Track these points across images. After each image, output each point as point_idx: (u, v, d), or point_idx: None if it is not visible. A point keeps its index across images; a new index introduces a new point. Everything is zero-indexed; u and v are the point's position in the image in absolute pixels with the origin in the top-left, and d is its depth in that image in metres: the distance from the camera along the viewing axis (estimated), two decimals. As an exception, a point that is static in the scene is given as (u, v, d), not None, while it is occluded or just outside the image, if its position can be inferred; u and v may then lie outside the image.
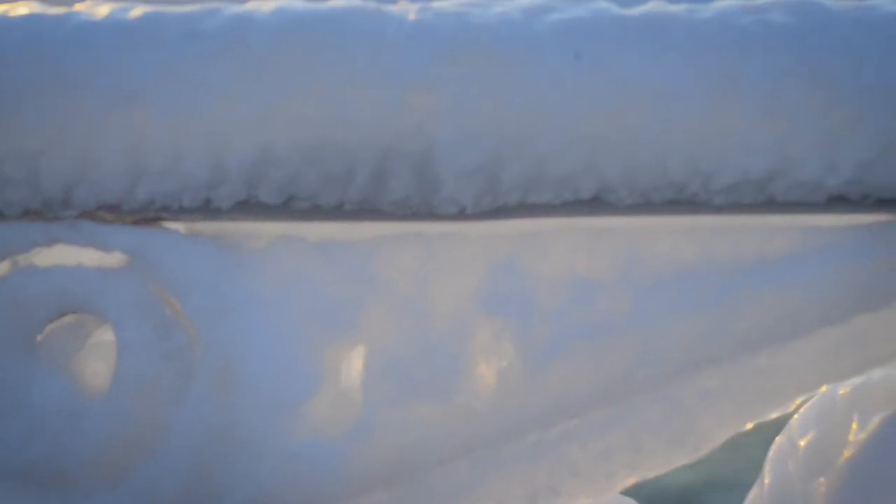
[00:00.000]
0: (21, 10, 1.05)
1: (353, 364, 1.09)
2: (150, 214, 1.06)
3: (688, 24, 1.04)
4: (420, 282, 1.07)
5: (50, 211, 1.05)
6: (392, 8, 1.06)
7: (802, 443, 1.14)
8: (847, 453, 1.10)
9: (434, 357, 1.06)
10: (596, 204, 1.05)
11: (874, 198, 1.06)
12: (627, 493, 1.13)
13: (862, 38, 1.04)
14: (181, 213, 1.06)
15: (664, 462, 1.09)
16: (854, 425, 1.11)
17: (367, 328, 1.07)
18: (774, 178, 1.04)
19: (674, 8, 1.05)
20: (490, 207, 1.05)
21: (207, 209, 1.06)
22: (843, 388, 1.14)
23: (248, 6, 1.06)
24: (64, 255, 1.06)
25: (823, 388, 1.12)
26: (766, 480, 1.16)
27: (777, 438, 1.16)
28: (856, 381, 1.13)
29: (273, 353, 1.05)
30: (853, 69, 1.03)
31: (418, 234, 1.07)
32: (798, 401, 1.11)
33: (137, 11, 1.05)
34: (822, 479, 1.11)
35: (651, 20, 1.04)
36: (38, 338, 1.07)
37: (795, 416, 1.16)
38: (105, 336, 1.08)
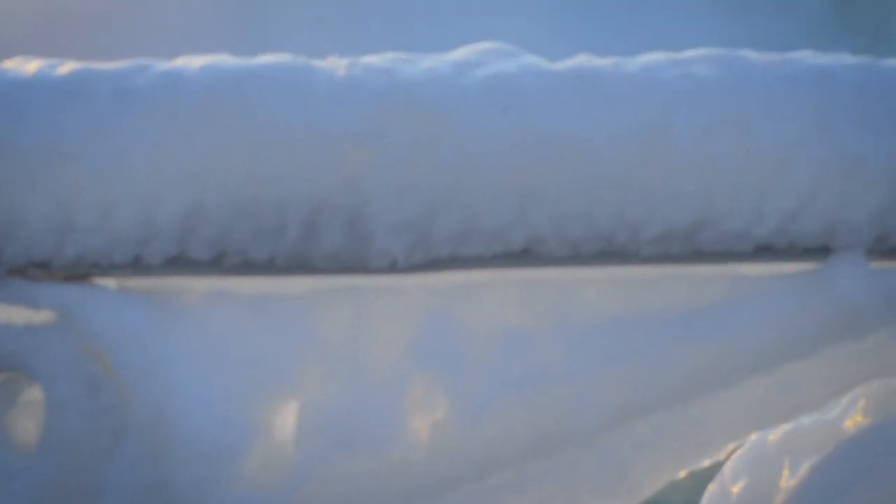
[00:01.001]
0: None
1: (287, 418, 1.08)
2: (80, 271, 1.06)
3: (615, 78, 1.05)
4: (353, 336, 1.07)
5: None
6: (322, 63, 1.07)
7: (735, 489, 1.15)
8: (779, 499, 1.12)
9: (368, 411, 1.06)
10: (526, 255, 1.06)
11: (800, 247, 1.07)
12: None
13: (785, 90, 1.06)
14: (112, 269, 1.06)
15: (599, 511, 1.10)
16: (785, 471, 1.13)
17: (300, 382, 1.07)
18: (701, 229, 1.06)
19: (601, 62, 1.07)
20: (422, 260, 1.06)
21: (138, 265, 1.05)
22: (774, 435, 1.15)
23: (178, 63, 1.06)
24: (-7, 314, 1.06)
25: (754, 436, 1.14)
26: (701, 527, 1.17)
27: (709, 486, 1.17)
28: (786, 427, 1.14)
29: (206, 409, 1.05)
30: (777, 121, 1.05)
31: (351, 288, 1.07)
32: (730, 448, 1.13)
33: (66, 68, 1.05)
34: None
35: (578, 74, 1.06)
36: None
37: (727, 463, 1.17)
38: (37, 394, 1.07)
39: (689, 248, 1.06)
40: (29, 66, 1.05)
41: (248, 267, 1.06)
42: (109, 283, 1.07)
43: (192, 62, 1.05)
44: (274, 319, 1.07)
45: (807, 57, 1.09)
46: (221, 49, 1.09)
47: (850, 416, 1.12)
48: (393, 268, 1.05)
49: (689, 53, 1.08)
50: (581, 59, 1.07)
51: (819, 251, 1.08)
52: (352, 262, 1.05)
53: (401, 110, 1.03)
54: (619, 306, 1.08)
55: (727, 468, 1.17)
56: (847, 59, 1.10)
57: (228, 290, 1.07)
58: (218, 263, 1.05)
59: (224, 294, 1.07)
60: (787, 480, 1.12)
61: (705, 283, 1.08)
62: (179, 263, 1.05)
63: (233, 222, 1.03)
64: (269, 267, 1.05)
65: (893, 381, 1.10)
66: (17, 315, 1.06)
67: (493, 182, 1.03)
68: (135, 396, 1.04)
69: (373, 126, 1.03)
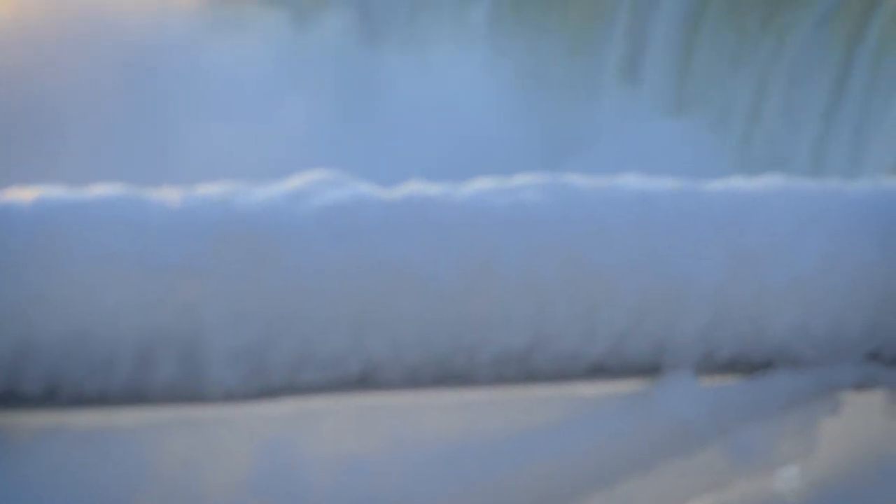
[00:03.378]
0: None
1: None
2: None
3: (445, 206, 1.07)
4: (190, 467, 1.06)
5: None
6: (156, 194, 1.07)
7: None
8: None
9: (206, 544, 1.04)
10: (364, 381, 1.07)
11: (631, 366, 1.10)
12: None
13: (612, 214, 1.10)
14: None
15: None
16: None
17: (137, 517, 1.05)
18: (535, 351, 1.08)
19: (432, 190, 1.09)
20: (258, 389, 1.05)
21: None
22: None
23: (8, 195, 1.05)
24: None
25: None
26: None
27: None
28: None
29: (39, 548, 1.02)
30: (605, 244, 1.08)
31: (187, 418, 1.06)
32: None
33: None
34: None
35: (410, 203, 1.08)
36: None
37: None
38: None
39: (524, 369, 1.08)
40: None
41: (81, 401, 1.04)
42: None
43: (23, 194, 1.04)
44: (109, 453, 1.05)
45: (631, 182, 1.13)
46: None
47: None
48: (230, 397, 1.05)
49: (519, 180, 1.11)
50: (413, 188, 1.09)
51: (650, 370, 1.10)
52: (188, 392, 1.04)
53: (235, 241, 1.03)
54: (457, 430, 1.09)
55: None
56: (669, 182, 1.14)
57: (62, 426, 1.05)
58: (50, 398, 1.03)
59: (57, 430, 1.05)
60: None
61: (541, 404, 1.10)
62: (10, 400, 1.03)
63: (65, 356, 1.02)
64: (103, 400, 1.04)
65: (725, 496, 1.13)
66: None
67: (329, 310, 1.04)
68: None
69: (208, 257, 1.03)
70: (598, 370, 1.10)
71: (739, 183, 1.17)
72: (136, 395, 1.04)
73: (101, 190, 1.06)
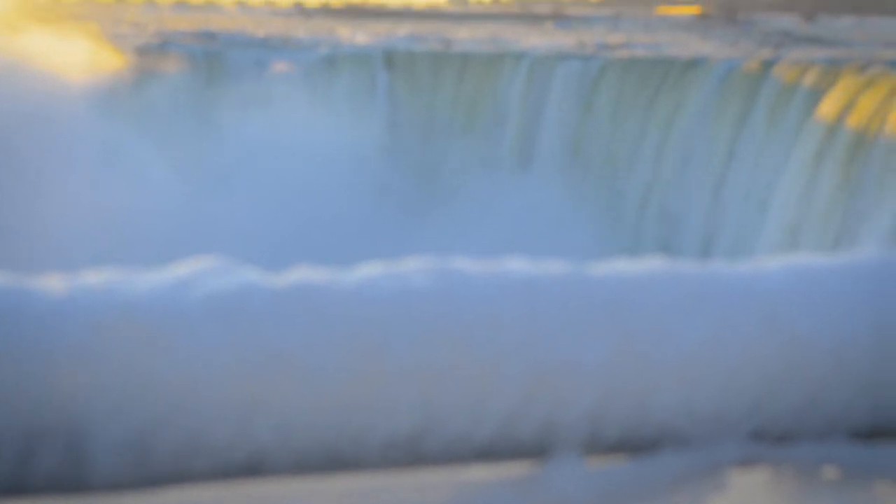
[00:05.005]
0: None
1: None
2: None
3: (332, 293, 1.08)
4: (72, 560, 1.03)
5: None
6: (38, 282, 1.06)
7: None
8: None
9: None
10: (252, 469, 1.06)
11: (519, 448, 1.11)
12: None
13: (499, 299, 1.11)
14: None
15: None
16: None
17: None
18: (423, 435, 1.08)
19: (318, 276, 1.09)
20: (144, 478, 1.04)
21: None
22: None
23: None
24: None
25: None
26: None
27: None
28: None
29: None
30: (492, 329, 1.09)
31: (70, 510, 1.04)
32: None
33: None
34: None
35: (297, 290, 1.08)
36: None
37: None
38: None
39: (413, 454, 1.08)
40: None
41: None
42: None
43: None
44: None
45: (518, 266, 1.14)
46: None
47: None
48: (114, 487, 1.03)
49: (406, 265, 1.12)
50: (299, 274, 1.09)
51: (538, 452, 1.11)
52: (71, 482, 1.02)
53: (120, 329, 1.02)
54: (346, 516, 1.08)
55: None
56: (556, 265, 1.16)
57: None
58: None
59: None
60: None
61: (431, 488, 1.10)
62: None
63: None
64: None
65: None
66: None
67: (216, 397, 1.03)
68: None
69: (91, 345, 1.01)
70: (487, 453, 1.10)
71: (625, 265, 1.19)
72: (17, 486, 1.02)
73: None
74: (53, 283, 1.05)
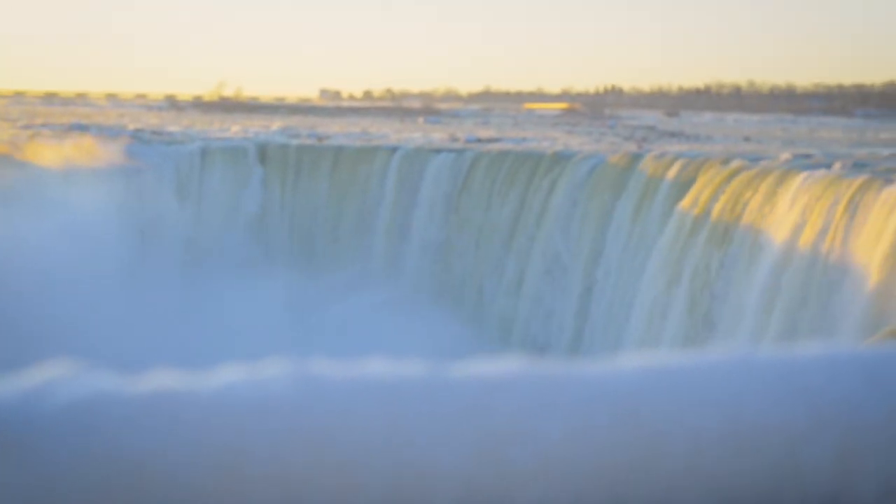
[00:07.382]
0: None
1: None
2: None
3: (189, 399, 1.06)
4: None
5: None
6: None
7: None
8: None
9: None
10: None
11: None
12: None
13: (358, 402, 1.11)
14: None
15: None
16: None
17: None
18: None
19: (176, 383, 1.08)
20: None
21: None
22: None
23: None
24: None
25: None
26: None
27: None
28: None
29: None
30: (351, 432, 1.09)
31: None
32: None
33: None
34: None
35: (153, 396, 1.06)
36: None
37: None
38: None
39: None
40: None
41: None
42: None
43: None
44: None
45: (377, 368, 1.15)
46: None
47: None
48: None
49: (265, 369, 1.11)
50: (158, 382, 1.08)
51: None
52: None
53: None
54: None
55: None
56: (416, 367, 1.16)
57: None
58: None
59: None
60: None
61: None
62: None
63: None
64: None
65: None
66: None
67: None
68: None
69: None
70: None
71: (485, 366, 1.20)
72: None
73: None
74: None
